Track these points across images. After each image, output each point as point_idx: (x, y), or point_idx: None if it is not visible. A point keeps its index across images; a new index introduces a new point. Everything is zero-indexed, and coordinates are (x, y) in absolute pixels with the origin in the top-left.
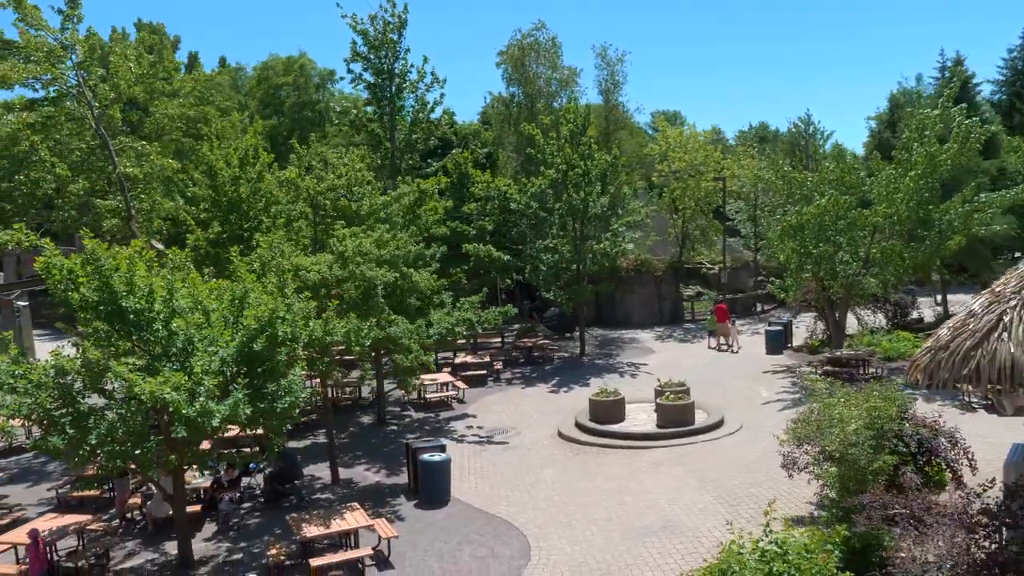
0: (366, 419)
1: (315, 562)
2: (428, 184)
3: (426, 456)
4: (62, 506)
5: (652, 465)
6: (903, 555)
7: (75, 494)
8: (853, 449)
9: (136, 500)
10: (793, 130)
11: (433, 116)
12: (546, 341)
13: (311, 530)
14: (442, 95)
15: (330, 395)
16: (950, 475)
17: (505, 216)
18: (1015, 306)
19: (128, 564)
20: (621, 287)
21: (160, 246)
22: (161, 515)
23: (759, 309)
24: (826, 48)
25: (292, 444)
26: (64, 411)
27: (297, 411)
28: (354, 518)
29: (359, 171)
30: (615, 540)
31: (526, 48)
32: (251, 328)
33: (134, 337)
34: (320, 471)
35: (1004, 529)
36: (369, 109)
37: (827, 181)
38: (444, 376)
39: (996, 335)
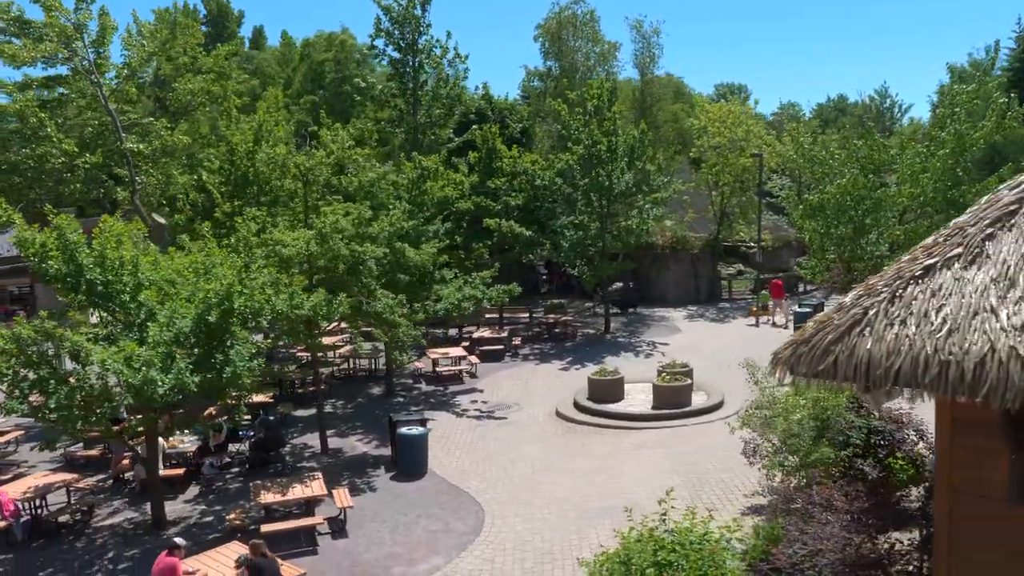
0: (376, 390)
1: (265, 527)
2: (430, 161)
3: (404, 429)
4: (69, 464)
5: (635, 446)
6: (787, 550)
7: (80, 454)
8: (793, 440)
9: (127, 462)
10: (867, 103)
11: (457, 91)
12: (569, 318)
13: (268, 497)
14: (466, 71)
15: (348, 366)
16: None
17: (534, 192)
18: (882, 300)
19: (109, 521)
20: (656, 264)
21: (161, 219)
22: (147, 477)
23: (801, 289)
24: (912, 15)
25: (298, 413)
26: (24, 376)
27: (248, 382)
28: (313, 487)
29: (349, 148)
30: (569, 520)
31: (563, 21)
32: (209, 301)
33: (100, 308)
34: (314, 440)
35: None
36: (392, 85)
37: (854, 160)
38: (457, 350)
39: (858, 330)
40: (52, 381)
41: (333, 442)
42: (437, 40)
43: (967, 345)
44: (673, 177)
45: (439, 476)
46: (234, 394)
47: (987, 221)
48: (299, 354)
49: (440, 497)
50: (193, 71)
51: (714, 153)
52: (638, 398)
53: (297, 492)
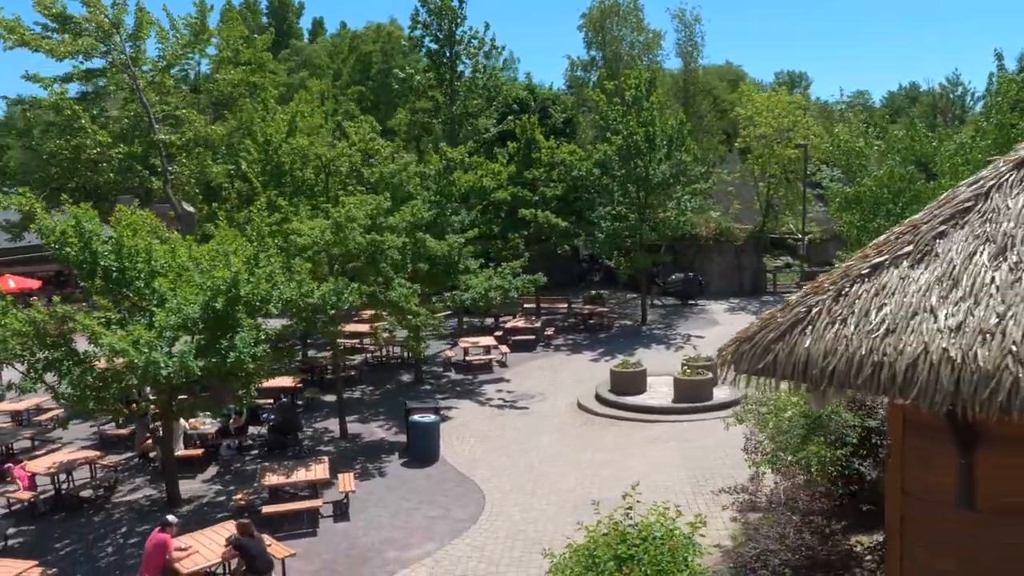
0: (406, 377)
1: (267, 508)
2: (455, 153)
3: (416, 417)
4: (103, 443)
5: (649, 440)
6: (741, 549)
7: (111, 432)
8: (782, 437)
9: (151, 442)
10: (938, 91)
11: (493, 82)
12: (605, 309)
13: (273, 479)
14: (506, 62)
15: (381, 354)
16: None
17: (572, 182)
18: (827, 298)
19: (128, 498)
20: (699, 256)
21: (190, 208)
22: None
23: None
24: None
25: (326, 398)
26: (40, 357)
27: (252, 367)
28: (316, 471)
29: (371, 139)
30: (566, 511)
31: (607, 10)
32: (218, 288)
33: (114, 293)
34: (336, 425)
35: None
36: (430, 75)
37: (895, 151)
38: (488, 340)
39: (799, 328)
40: (66, 362)
41: (354, 427)
42: (475, 32)
43: (902, 346)
44: (712, 168)
45: (449, 464)
46: (241, 378)
47: (940, 219)
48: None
49: (445, 485)
50: (235, 63)
51: (760, 143)
52: (660, 391)
53: (301, 475)
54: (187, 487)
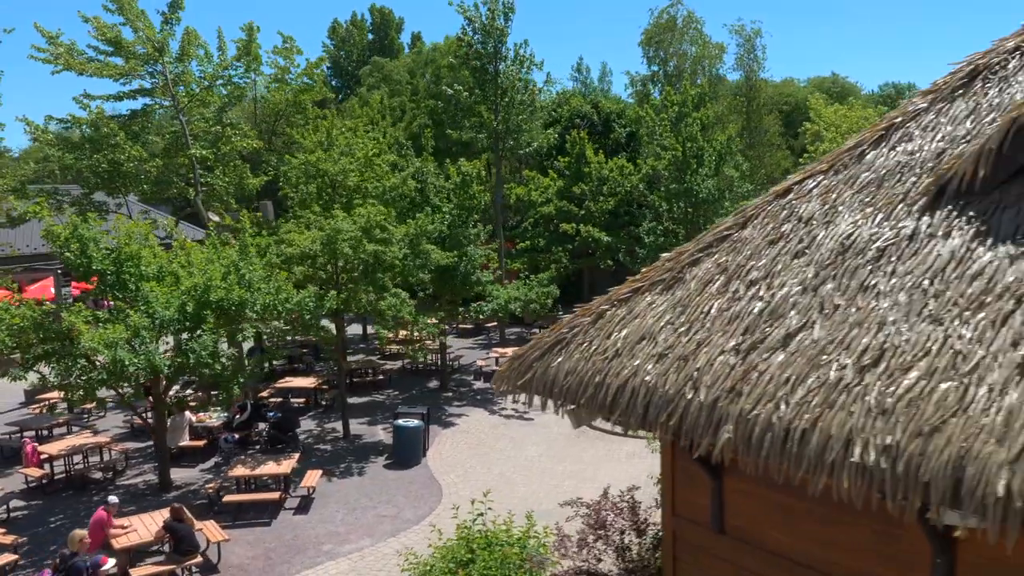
0: (433, 384)
1: (228, 498)
2: (470, 166)
3: (400, 421)
4: (133, 431)
5: (628, 455)
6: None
7: (138, 423)
8: None
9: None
10: None
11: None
12: None
13: (240, 471)
14: (548, 76)
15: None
16: None
17: (625, 196)
18: (588, 321)
19: (130, 481)
20: None
21: (216, 217)
22: (174, 445)
23: None
24: None
25: (351, 400)
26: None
27: (217, 368)
28: (283, 466)
29: (373, 153)
30: (515, 517)
31: (662, 26)
32: (194, 292)
33: (108, 295)
34: (352, 426)
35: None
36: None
37: None
38: (516, 350)
39: (558, 348)
40: (56, 356)
41: (361, 429)
42: (518, 47)
43: (619, 369)
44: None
45: (428, 467)
46: (222, 378)
47: (700, 247)
48: (387, 346)
49: (413, 486)
50: (283, 83)
51: None
52: None
53: (267, 469)
54: (185, 475)
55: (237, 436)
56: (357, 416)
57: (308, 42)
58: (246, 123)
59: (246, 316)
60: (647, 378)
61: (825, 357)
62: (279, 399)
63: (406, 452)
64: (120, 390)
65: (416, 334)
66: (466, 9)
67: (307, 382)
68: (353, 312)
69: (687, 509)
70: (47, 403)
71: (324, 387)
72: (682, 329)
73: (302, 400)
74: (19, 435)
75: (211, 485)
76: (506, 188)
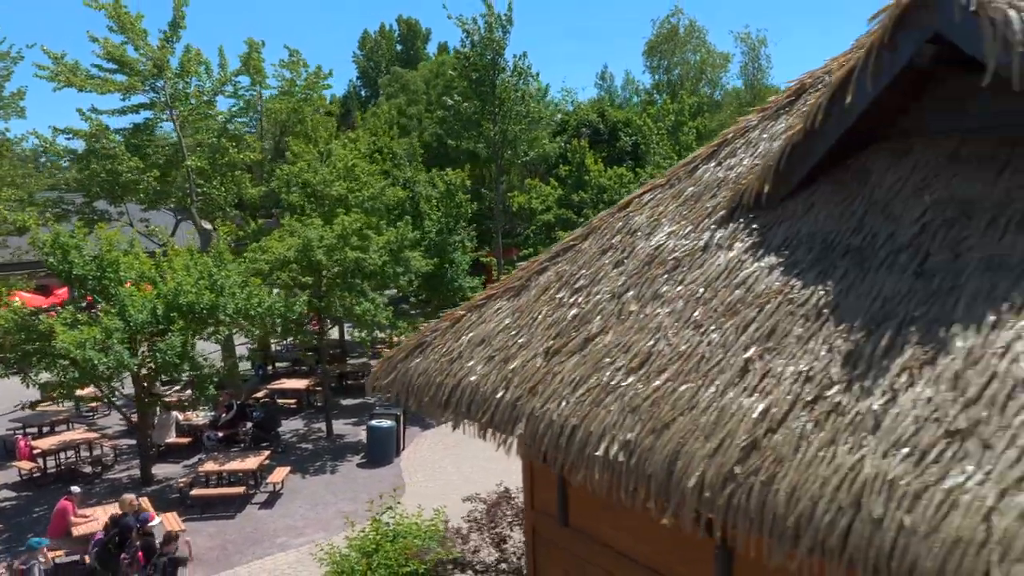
0: None
1: (196, 492)
2: (453, 176)
3: (373, 422)
4: (130, 429)
5: None
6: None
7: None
8: None
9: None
10: None
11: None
12: None
13: (209, 467)
14: (540, 88)
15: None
16: None
17: None
18: (446, 325)
19: (117, 475)
20: None
21: (208, 226)
22: (160, 442)
23: None
24: None
25: (345, 401)
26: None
27: (186, 368)
28: (249, 463)
29: (352, 164)
30: (457, 514)
31: (664, 36)
32: (162, 297)
33: (86, 297)
34: (337, 426)
35: None
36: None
37: None
38: None
39: (418, 351)
40: (35, 356)
41: (346, 429)
42: (516, 61)
43: (455, 371)
44: None
45: (399, 466)
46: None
47: (549, 256)
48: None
49: (379, 484)
50: (289, 94)
51: None
52: None
53: (235, 465)
54: (169, 470)
55: (221, 434)
56: (347, 417)
57: (341, 53)
58: (252, 134)
59: (219, 319)
60: (473, 378)
61: (608, 360)
62: (267, 399)
63: (379, 452)
64: (103, 389)
65: (395, 338)
66: (464, 22)
67: (300, 384)
68: (332, 316)
69: (543, 504)
70: (26, 402)
71: (317, 388)
72: (513, 333)
73: (293, 401)
74: (23, 431)
75: (183, 480)
76: (509, 196)
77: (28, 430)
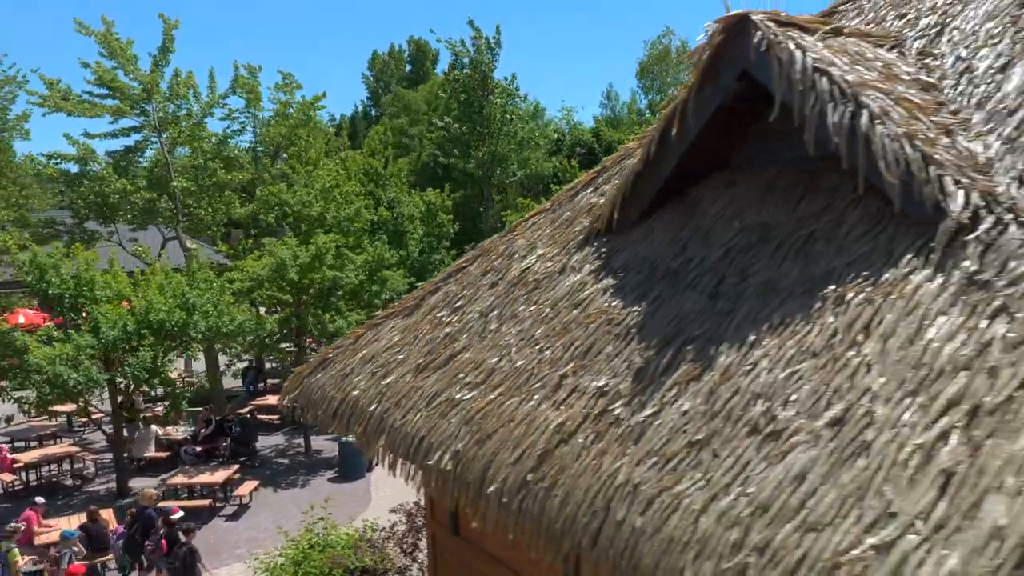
0: None
1: (161, 503)
2: (434, 196)
3: (344, 438)
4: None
5: None
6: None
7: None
8: None
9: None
10: None
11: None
12: None
13: (178, 479)
14: (530, 108)
15: None
16: None
17: None
18: (349, 342)
19: (95, 488)
20: None
21: (193, 244)
22: (139, 455)
23: None
24: None
25: None
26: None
27: (155, 383)
28: (217, 477)
29: (332, 185)
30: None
31: (654, 58)
32: (133, 314)
33: (63, 315)
34: (317, 443)
35: None
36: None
37: None
38: None
39: (321, 366)
40: (11, 372)
41: (325, 445)
42: (505, 83)
43: (347, 385)
44: None
45: (368, 481)
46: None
47: (443, 276)
48: None
49: (344, 498)
50: (283, 117)
51: None
52: None
53: (202, 478)
54: (147, 483)
55: (198, 449)
56: (328, 432)
57: (354, 73)
58: (245, 155)
59: (191, 336)
60: (355, 392)
61: (461, 375)
62: (247, 415)
63: (350, 467)
64: (79, 404)
65: None
66: (454, 45)
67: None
68: (308, 334)
69: (440, 514)
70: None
71: None
72: (396, 350)
73: (276, 417)
74: (9, 444)
75: (151, 492)
76: (503, 215)
77: (15, 443)
